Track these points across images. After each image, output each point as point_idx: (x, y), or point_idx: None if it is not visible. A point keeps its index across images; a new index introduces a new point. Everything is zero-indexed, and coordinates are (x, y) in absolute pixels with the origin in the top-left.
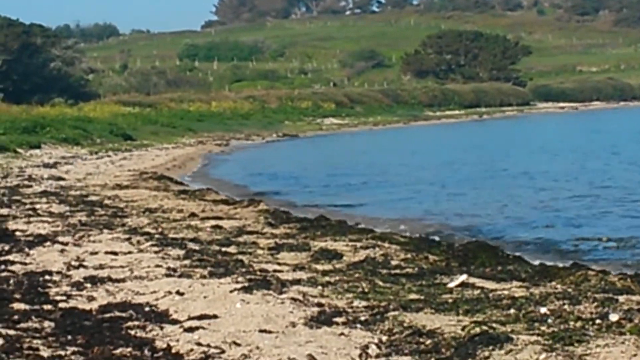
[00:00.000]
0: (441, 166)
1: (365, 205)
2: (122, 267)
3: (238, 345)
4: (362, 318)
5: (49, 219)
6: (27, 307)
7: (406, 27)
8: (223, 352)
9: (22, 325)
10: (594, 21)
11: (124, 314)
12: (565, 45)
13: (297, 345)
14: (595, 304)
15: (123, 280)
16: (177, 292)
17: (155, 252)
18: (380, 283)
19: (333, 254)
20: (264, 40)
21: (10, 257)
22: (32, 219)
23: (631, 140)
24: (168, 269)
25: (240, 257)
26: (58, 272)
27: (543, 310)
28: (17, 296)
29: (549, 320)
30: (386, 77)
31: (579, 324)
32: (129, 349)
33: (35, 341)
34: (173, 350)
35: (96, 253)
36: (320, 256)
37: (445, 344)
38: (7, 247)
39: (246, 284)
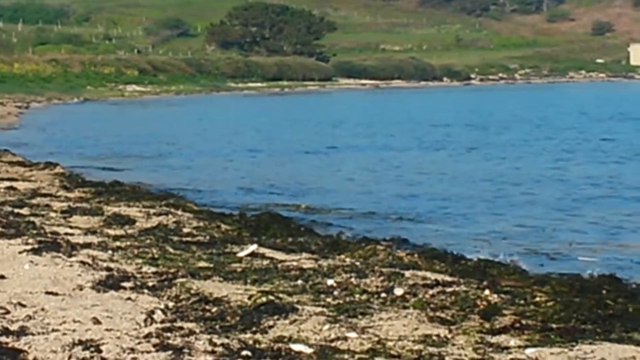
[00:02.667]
0: (225, 136)
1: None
2: None
3: (23, 306)
4: (150, 284)
5: None
6: None
7: None
8: (7, 312)
9: None
10: (399, 0)
11: None
12: (370, 23)
13: (83, 308)
14: (382, 278)
15: None
16: None
17: None
18: (171, 250)
19: (126, 219)
20: (70, 4)
21: None
22: None
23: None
24: None
25: (32, 219)
26: None
27: (330, 282)
28: None
29: (335, 293)
30: (191, 47)
31: (364, 296)
32: None
33: None
34: None
35: None
36: (112, 221)
37: (231, 312)
38: None
39: (36, 246)
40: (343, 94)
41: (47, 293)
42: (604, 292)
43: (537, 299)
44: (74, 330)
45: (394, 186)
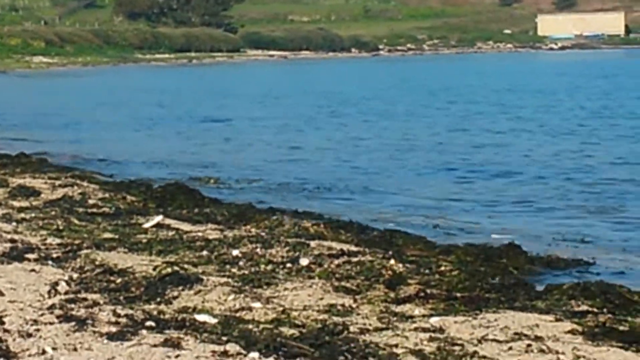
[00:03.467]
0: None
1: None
2: None
3: None
4: (55, 255)
5: None
6: None
7: None
8: None
9: None
10: None
11: None
12: None
13: None
14: (287, 248)
15: None
16: None
17: None
18: (76, 221)
19: (31, 191)
20: None
21: None
22: None
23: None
24: None
25: None
26: None
27: (235, 252)
28: None
29: (240, 263)
30: (98, 18)
31: (269, 267)
32: None
33: None
34: None
35: None
36: (17, 193)
37: (136, 283)
38: None
39: None
40: (251, 66)
41: None
42: (508, 261)
43: (442, 268)
44: None
45: (301, 157)
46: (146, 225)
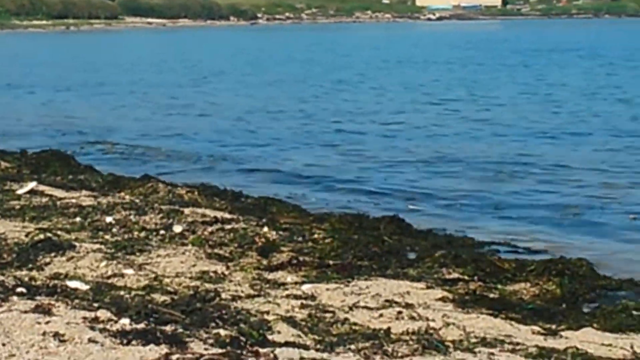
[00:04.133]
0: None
1: None
2: None
3: None
4: None
5: None
6: None
7: None
8: None
9: None
10: None
11: None
12: None
13: None
14: (161, 215)
15: None
16: None
17: None
18: None
19: None
20: None
21: None
22: None
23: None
24: None
25: None
26: None
27: (109, 219)
28: None
29: (114, 230)
30: None
31: (143, 234)
32: None
33: None
34: None
35: None
36: None
37: (7, 249)
38: None
39: None
40: (129, 34)
41: None
42: (382, 229)
43: (316, 236)
44: None
45: (177, 124)
46: (20, 192)
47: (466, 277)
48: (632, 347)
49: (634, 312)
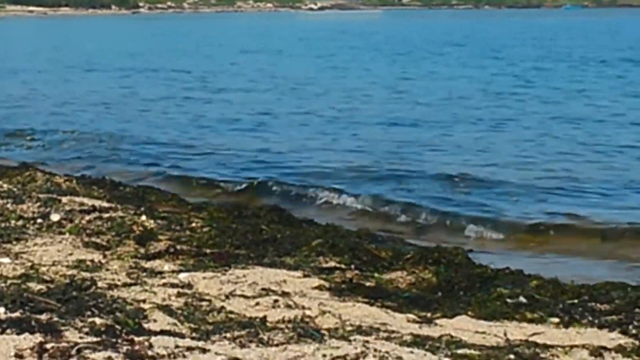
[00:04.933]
0: None
1: None
2: None
3: None
4: None
5: None
6: None
7: None
8: None
9: None
10: None
11: None
12: None
13: None
14: (39, 203)
15: None
16: None
17: None
18: None
19: None
20: None
21: None
22: None
23: None
24: None
25: None
26: None
27: None
28: None
29: None
30: None
31: (20, 222)
32: None
33: None
34: None
35: None
36: None
37: None
38: None
39: None
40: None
41: None
42: (261, 218)
43: (194, 224)
44: None
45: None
46: None
47: (343, 266)
48: (505, 334)
49: (508, 300)
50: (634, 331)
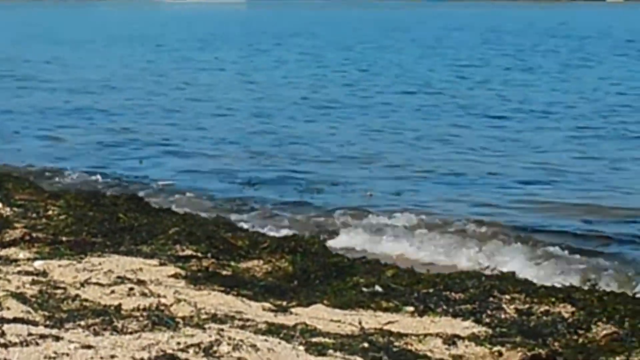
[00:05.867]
0: None
1: None
2: None
3: None
4: None
5: None
6: None
7: None
8: None
9: None
10: None
11: None
12: None
13: None
14: None
15: None
16: None
17: None
18: None
19: None
20: None
21: None
22: None
23: None
24: None
25: None
26: None
27: None
28: None
29: None
30: None
31: None
32: None
33: None
34: None
35: None
36: None
37: None
38: None
39: None
40: None
41: None
42: (117, 206)
43: (50, 212)
44: None
45: None
46: None
47: (200, 254)
48: (360, 322)
49: (364, 289)
50: (487, 320)
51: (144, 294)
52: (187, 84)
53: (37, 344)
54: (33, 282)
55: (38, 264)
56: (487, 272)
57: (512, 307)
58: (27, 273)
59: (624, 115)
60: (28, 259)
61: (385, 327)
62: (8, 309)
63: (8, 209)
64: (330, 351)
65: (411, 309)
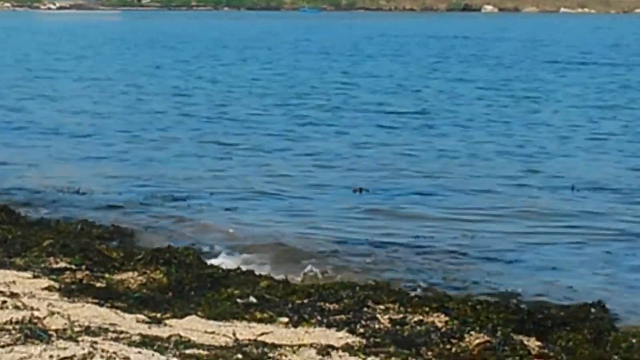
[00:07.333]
0: None
1: None
2: None
3: None
4: None
5: None
6: None
7: None
8: None
9: None
10: None
11: None
12: None
13: None
14: None
15: None
16: None
17: None
18: None
19: None
20: None
21: None
22: None
23: None
24: None
25: None
26: None
27: None
28: None
29: None
30: None
31: None
32: None
33: None
34: None
35: None
36: None
37: None
38: None
39: None
40: None
41: None
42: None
43: None
44: None
45: None
46: None
47: (74, 267)
48: (234, 334)
49: (239, 300)
50: (361, 330)
51: (16, 307)
52: None
53: None
54: None
55: None
56: (362, 282)
57: (386, 317)
58: None
59: None
60: None
61: (260, 338)
62: None
63: None
64: None
65: (285, 319)
